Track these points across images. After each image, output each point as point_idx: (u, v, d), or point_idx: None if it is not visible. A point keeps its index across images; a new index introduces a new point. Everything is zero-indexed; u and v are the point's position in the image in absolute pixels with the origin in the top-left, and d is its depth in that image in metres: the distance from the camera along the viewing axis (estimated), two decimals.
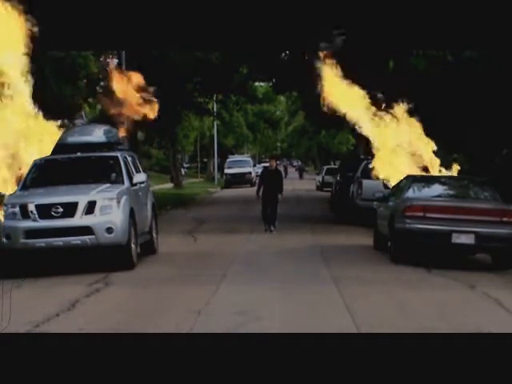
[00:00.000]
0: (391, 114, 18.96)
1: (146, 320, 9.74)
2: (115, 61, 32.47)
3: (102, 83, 33.78)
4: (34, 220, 13.42)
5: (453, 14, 18.55)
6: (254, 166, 68.19)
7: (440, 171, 18.11)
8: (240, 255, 16.23)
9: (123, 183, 14.69)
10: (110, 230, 13.53)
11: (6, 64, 15.74)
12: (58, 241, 13.39)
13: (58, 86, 26.90)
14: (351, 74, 19.13)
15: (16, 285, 12.23)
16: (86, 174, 15.01)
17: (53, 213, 13.43)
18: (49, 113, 17.07)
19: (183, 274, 13.55)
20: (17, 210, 13.50)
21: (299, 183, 64.88)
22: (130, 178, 15.07)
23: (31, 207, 13.46)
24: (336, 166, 47.28)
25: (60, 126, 17.52)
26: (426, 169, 18.18)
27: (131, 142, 29.11)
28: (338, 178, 29.93)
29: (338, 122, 29.28)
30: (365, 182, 22.74)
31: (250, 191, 39.81)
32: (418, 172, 17.94)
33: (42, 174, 14.89)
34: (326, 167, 54.64)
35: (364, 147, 30.31)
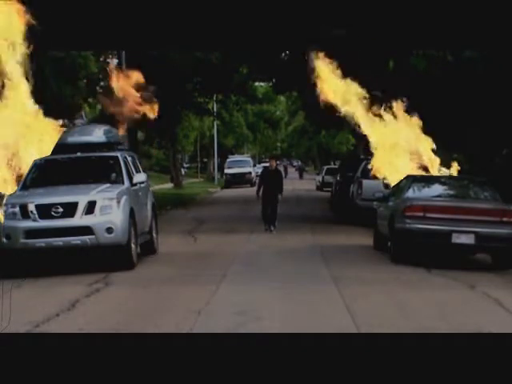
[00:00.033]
0: (391, 113, 18.95)
1: (146, 320, 9.73)
2: (115, 61, 32.44)
3: (101, 83, 33.82)
4: (34, 220, 13.41)
5: (453, 13, 18.57)
6: (254, 166, 68.17)
7: (440, 171, 18.10)
8: (240, 255, 16.22)
9: (123, 183, 14.68)
10: (110, 230, 13.52)
11: (6, 64, 15.74)
12: (58, 241, 13.39)
13: (58, 86, 26.92)
14: (351, 73, 19.11)
15: (16, 285, 12.22)
16: (86, 174, 15.00)
17: (53, 213, 13.42)
18: (49, 113, 17.07)
19: (183, 274, 13.54)
20: (17, 209, 13.49)
21: (299, 183, 64.86)
22: (130, 178, 15.06)
23: (31, 207, 13.46)
24: (336, 166, 47.29)
25: (60, 126, 17.53)
26: (425, 168, 18.18)
27: (131, 142, 29.21)
28: (338, 178, 29.92)
29: (338, 122, 29.31)
30: (365, 181, 22.73)
31: (249, 191, 39.80)
32: (417, 172, 17.94)
33: (42, 174, 14.88)
34: (325, 167, 54.64)
35: (364, 147, 30.29)
